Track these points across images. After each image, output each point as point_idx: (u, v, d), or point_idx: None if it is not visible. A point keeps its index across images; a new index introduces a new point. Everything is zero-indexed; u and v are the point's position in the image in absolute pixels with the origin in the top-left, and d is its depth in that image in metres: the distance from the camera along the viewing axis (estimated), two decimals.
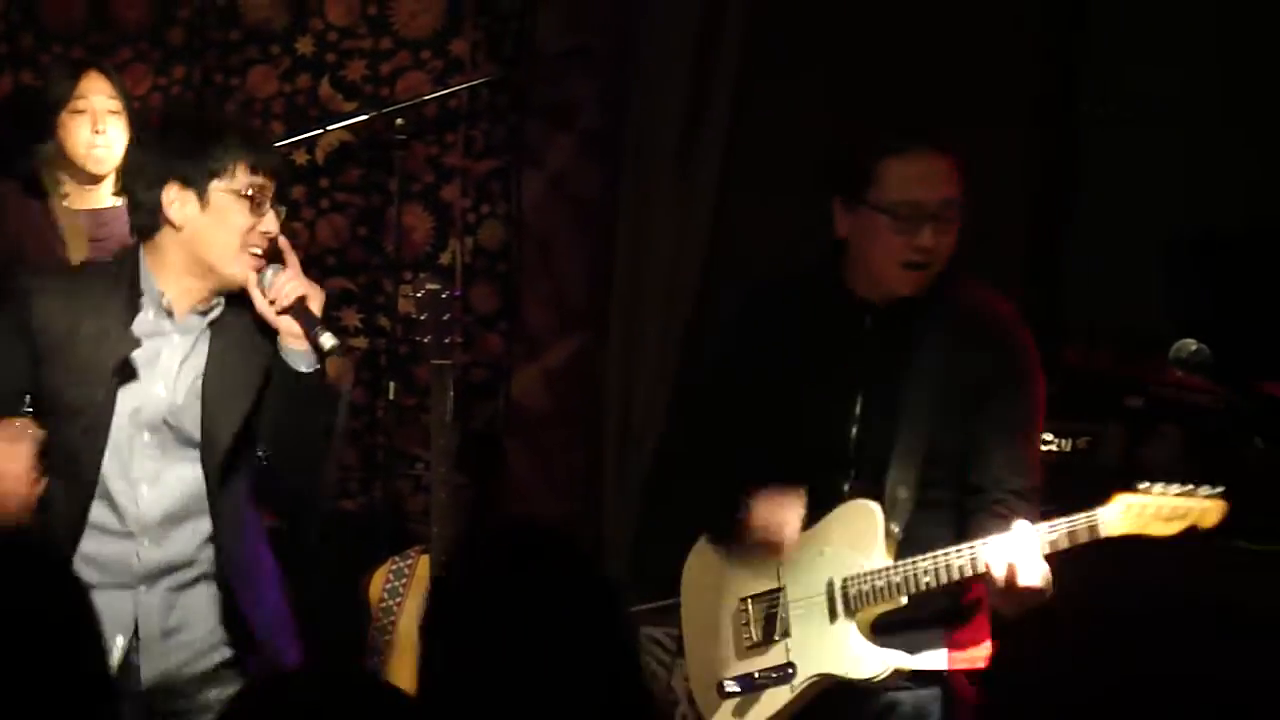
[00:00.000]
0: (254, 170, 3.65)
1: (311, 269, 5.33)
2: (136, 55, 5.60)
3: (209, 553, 3.71)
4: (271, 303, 3.62)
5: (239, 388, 3.69)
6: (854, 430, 3.84)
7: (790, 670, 3.94)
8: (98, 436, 3.67)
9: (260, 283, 3.60)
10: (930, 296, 3.81)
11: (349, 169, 5.65)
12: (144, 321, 3.68)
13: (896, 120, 4.14)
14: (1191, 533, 3.67)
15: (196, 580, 3.73)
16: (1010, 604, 3.70)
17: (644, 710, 2.65)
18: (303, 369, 3.61)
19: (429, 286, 4.73)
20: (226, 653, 3.77)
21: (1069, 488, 5.10)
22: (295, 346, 3.61)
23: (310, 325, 3.60)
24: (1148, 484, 3.67)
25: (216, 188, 3.62)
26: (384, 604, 4.94)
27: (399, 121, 5.34)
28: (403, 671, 4.84)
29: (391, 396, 5.50)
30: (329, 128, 5.40)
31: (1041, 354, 4.09)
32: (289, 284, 3.61)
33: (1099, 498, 4.02)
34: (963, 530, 3.81)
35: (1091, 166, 5.80)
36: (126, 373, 3.68)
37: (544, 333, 5.69)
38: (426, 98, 5.51)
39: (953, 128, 5.53)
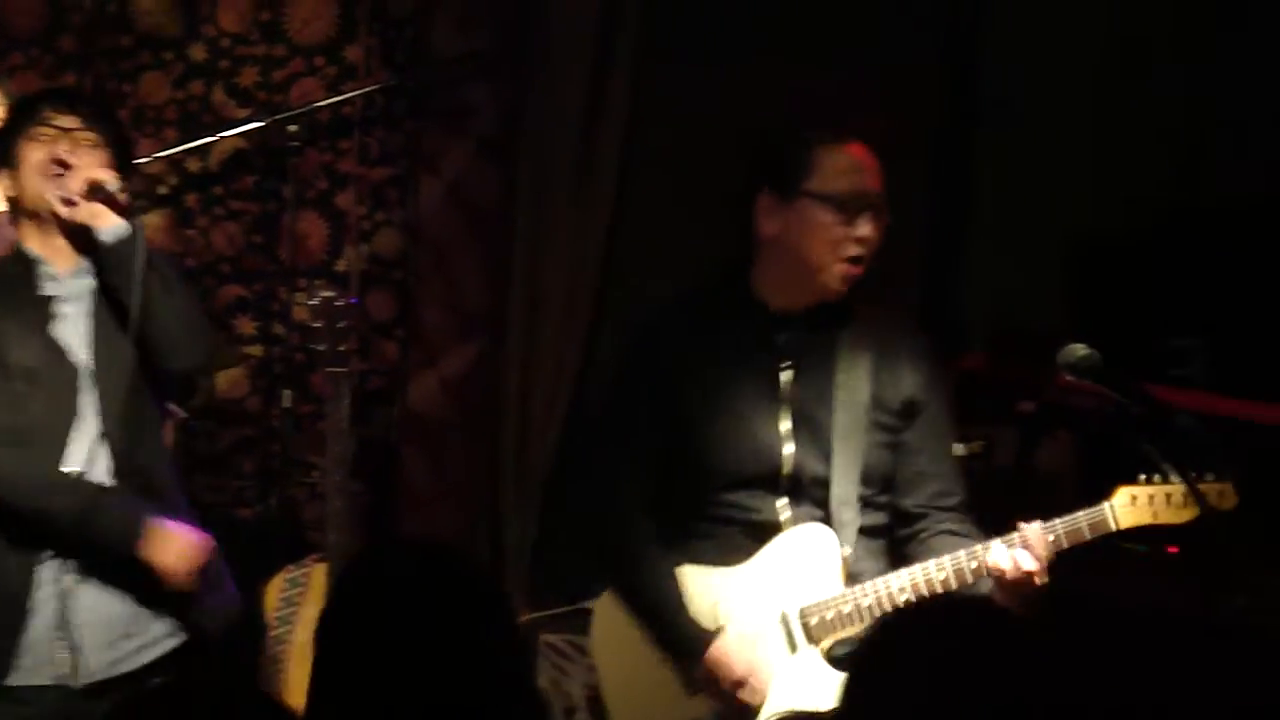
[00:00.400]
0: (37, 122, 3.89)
1: (206, 276, 5.61)
2: (28, 61, 5.56)
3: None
4: (71, 205, 3.81)
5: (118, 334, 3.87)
6: (785, 451, 3.76)
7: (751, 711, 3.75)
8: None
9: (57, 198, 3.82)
10: (844, 308, 3.77)
11: (243, 176, 5.63)
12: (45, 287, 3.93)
13: (798, 122, 4.09)
14: (1209, 515, 3.61)
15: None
16: (1021, 604, 3.63)
17: None
18: (111, 240, 3.80)
19: (324, 294, 4.76)
20: None
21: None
22: (103, 224, 3.80)
23: (100, 192, 3.78)
24: (1145, 475, 3.63)
25: (24, 150, 3.89)
26: (280, 613, 4.91)
27: (293, 128, 5.36)
28: (298, 682, 4.80)
29: (287, 404, 5.52)
30: (223, 135, 5.39)
31: (943, 360, 4.12)
32: (74, 179, 3.79)
33: (994, 502, 4.04)
34: (904, 554, 3.76)
35: (988, 171, 5.84)
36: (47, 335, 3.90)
37: (441, 339, 5.68)
38: (321, 104, 5.51)
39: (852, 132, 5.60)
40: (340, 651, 2.60)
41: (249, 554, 5.13)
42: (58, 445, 3.92)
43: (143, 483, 3.98)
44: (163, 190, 5.62)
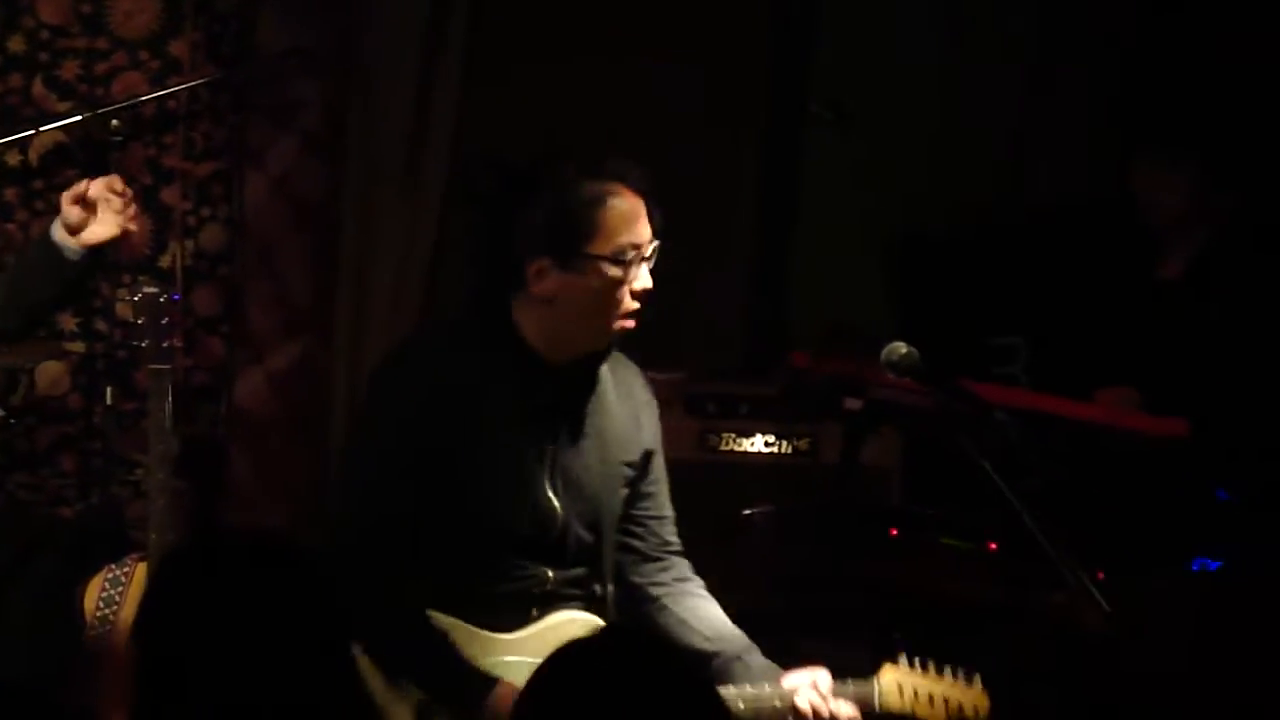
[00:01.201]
0: None
1: None
2: None
3: None
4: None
5: None
6: (555, 513, 3.67)
7: None
8: None
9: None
10: (603, 358, 3.71)
11: (64, 171, 5.49)
12: None
13: (595, 146, 3.98)
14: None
15: None
16: None
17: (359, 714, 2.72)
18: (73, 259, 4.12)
19: (147, 290, 4.70)
20: None
21: (791, 488, 5.21)
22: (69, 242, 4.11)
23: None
24: (905, 659, 3.66)
25: None
26: (100, 613, 4.78)
27: (115, 123, 5.22)
28: (119, 682, 4.75)
29: (109, 402, 5.45)
30: (42, 128, 5.29)
31: (769, 358, 4.14)
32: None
33: (818, 497, 4.08)
34: (655, 600, 3.72)
35: (811, 170, 5.90)
36: None
37: (267, 336, 5.65)
38: (144, 98, 5.43)
39: (677, 134, 5.64)
40: (160, 649, 2.56)
41: (69, 553, 5.10)
42: None
43: None
44: None
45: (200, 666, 2.53)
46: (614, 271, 3.50)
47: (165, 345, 4.67)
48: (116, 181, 4.28)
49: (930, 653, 3.72)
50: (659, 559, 3.74)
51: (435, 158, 5.56)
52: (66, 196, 4.14)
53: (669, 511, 3.76)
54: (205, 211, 5.60)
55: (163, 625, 2.57)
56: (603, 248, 3.51)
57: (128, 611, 4.72)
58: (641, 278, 3.52)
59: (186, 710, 2.51)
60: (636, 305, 3.55)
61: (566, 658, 2.57)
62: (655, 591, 3.71)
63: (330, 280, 5.60)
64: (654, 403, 3.78)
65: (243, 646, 2.52)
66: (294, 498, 5.56)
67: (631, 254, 3.50)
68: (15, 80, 5.50)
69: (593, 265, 3.52)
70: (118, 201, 4.23)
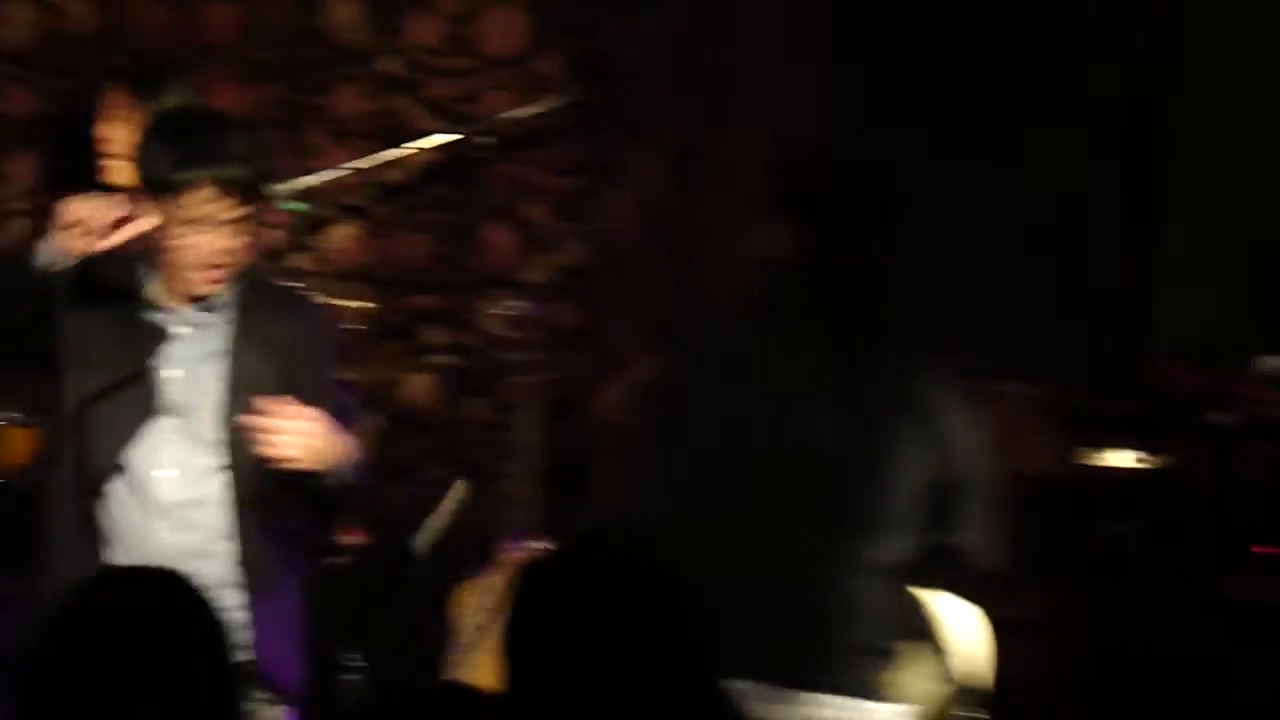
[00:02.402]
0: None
1: (398, 286, 5.74)
2: (225, 73, 5.67)
3: (226, 548, 3.83)
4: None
5: (261, 394, 3.79)
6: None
7: None
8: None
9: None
10: None
11: (434, 187, 5.68)
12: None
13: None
14: None
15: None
16: None
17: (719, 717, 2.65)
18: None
19: (513, 304, 4.87)
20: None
21: (1157, 503, 5.15)
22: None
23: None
24: None
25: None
26: (472, 620, 4.97)
27: (483, 140, 5.38)
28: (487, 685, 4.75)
29: (476, 414, 5.60)
30: (415, 147, 5.41)
31: (1135, 372, 4.14)
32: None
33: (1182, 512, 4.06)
34: None
35: (1176, 179, 5.79)
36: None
37: (626, 349, 5.67)
38: (511, 116, 5.52)
39: (1034, 145, 5.55)
40: (527, 657, 2.56)
41: (438, 561, 5.29)
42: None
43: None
44: (355, 202, 5.69)
45: (565, 672, 2.52)
46: None
47: (530, 358, 4.79)
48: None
49: None
50: None
51: None
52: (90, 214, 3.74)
53: None
54: (568, 227, 5.71)
55: (530, 633, 2.57)
56: None
57: (499, 620, 4.75)
58: None
59: (552, 712, 2.51)
60: None
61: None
62: None
63: (687, 293, 5.61)
64: None
65: (606, 652, 2.51)
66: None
67: None
68: (390, 100, 5.68)
69: None
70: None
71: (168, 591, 2.67)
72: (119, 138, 4.90)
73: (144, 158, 3.81)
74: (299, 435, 3.66)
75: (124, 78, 5.04)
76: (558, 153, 5.74)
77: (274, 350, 3.84)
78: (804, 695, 3.60)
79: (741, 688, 3.44)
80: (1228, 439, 4.91)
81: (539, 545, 4.84)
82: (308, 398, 3.78)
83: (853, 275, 3.69)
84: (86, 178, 3.92)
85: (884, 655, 3.67)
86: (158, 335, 3.78)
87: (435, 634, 5.04)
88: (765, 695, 3.55)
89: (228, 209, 3.70)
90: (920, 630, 3.72)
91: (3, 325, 3.83)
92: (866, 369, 3.64)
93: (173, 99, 4.85)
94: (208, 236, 3.69)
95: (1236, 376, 4.97)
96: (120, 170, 3.93)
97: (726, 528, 3.68)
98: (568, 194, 5.74)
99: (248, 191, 3.75)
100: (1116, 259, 5.78)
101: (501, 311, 4.94)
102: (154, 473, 3.78)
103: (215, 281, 3.75)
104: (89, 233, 3.59)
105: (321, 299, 4.29)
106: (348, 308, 5.47)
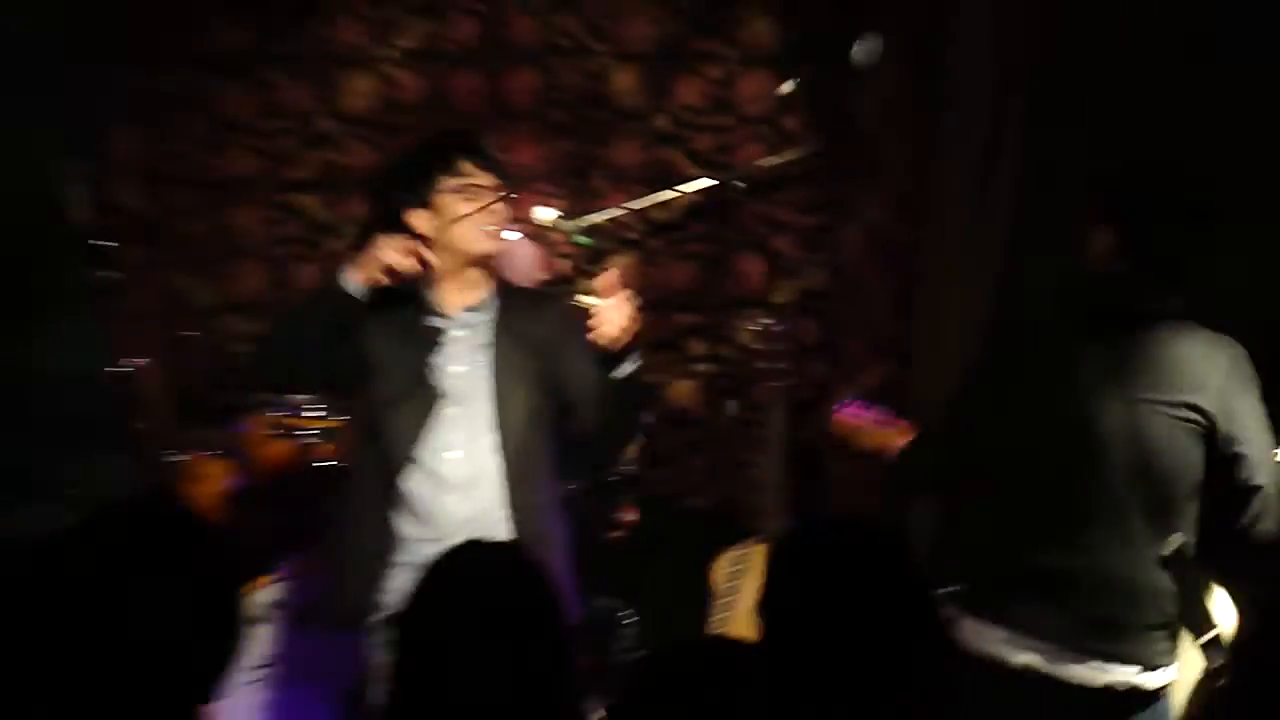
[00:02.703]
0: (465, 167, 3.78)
1: (666, 306, 5.75)
2: (526, 130, 5.80)
3: (503, 516, 3.80)
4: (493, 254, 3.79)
5: (524, 380, 3.83)
6: None
7: None
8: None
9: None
10: None
11: (697, 224, 5.77)
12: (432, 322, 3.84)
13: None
14: None
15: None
16: None
17: (945, 688, 2.63)
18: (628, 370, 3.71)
19: (763, 321, 4.94)
20: None
21: None
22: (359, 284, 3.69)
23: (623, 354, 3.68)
24: None
25: (445, 200, 3.79)
26: (727, 586, 5.01)
27: (738, 185, 5.37)
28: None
29: (732, 413, 5.67)
30: (681, 190, 5.41)
31: None
32: (498, 230, 3.77)
33: None
34: None
35: None
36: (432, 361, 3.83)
37: (858, 359, 5.66)
38: (761, 164, 5.62)
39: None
40: (783, 615, 2.63)
41: (698, 536, 5.43)
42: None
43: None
44: (631, 236, 5.78)
45: (813, 628, 2.57)
46: None
47: (777, 367, 4.89)
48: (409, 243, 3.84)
49: None
50: None
51: (999, 201, 5.40)
52: (395, 250, 3.78)
53: None
54: (809, 256, 5.79)
55: (783, 597, 2.63)
56: None
57: (749, 584, 4.90)
58: None
59: (803, 668, 2.56)
60: None
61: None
62: None
63: (909, 312, 5.60)
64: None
65: (846, 611, 2.56)
66: (878, 492, 5.12)
67: None
68: (662, 152, 5.82)
69: None
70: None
71: (517, 563, 2.79)
72: None
73: (405, 170, 3.92)
74: (620, 313, 3.67)
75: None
76: (800, 194, 5.77)
77: (529, 341, 3.85)
78: (1095, 663, 3.56)
79: (1041, 649, 3.57)
80: None
81: (784, 524, 4.82)
82: (568, 369, 3.83)
83: (1170, 276, 3.56)
84: (396, 223, 3.88)
85: (1166, 630, 3.60)
86: (438, 337, 3.83)
87: (698, 595, 5.04)
88: (1062, 658, 3.56)
89: (485, 179, 3.81)
90: (1195, 609, 3.65)
91: (319, 348, 3.77)
92: (1166, 366, 3.54)
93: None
94: (474, 205, 3.78)
95: None
96: (418, 217, 3.86)
97: (1029, 512, 3.62)
98: (809, 229, 5.78)
99: (494, 166, 3.85)
100: None
101: (753, 327, 5.00)
102: (444, 454, 3.80)
103: (494, 239, 3.78)
104: (389, 266, 3.70)
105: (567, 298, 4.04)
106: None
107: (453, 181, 3.79)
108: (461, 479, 3.80)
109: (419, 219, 3.79)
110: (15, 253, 5.32)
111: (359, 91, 5.91)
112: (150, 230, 5.94)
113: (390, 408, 3.79)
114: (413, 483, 3.78)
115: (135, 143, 5.92)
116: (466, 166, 3.81)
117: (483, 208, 3.75)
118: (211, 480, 5.13)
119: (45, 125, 5.34)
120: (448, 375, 3.80)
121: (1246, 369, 3.62)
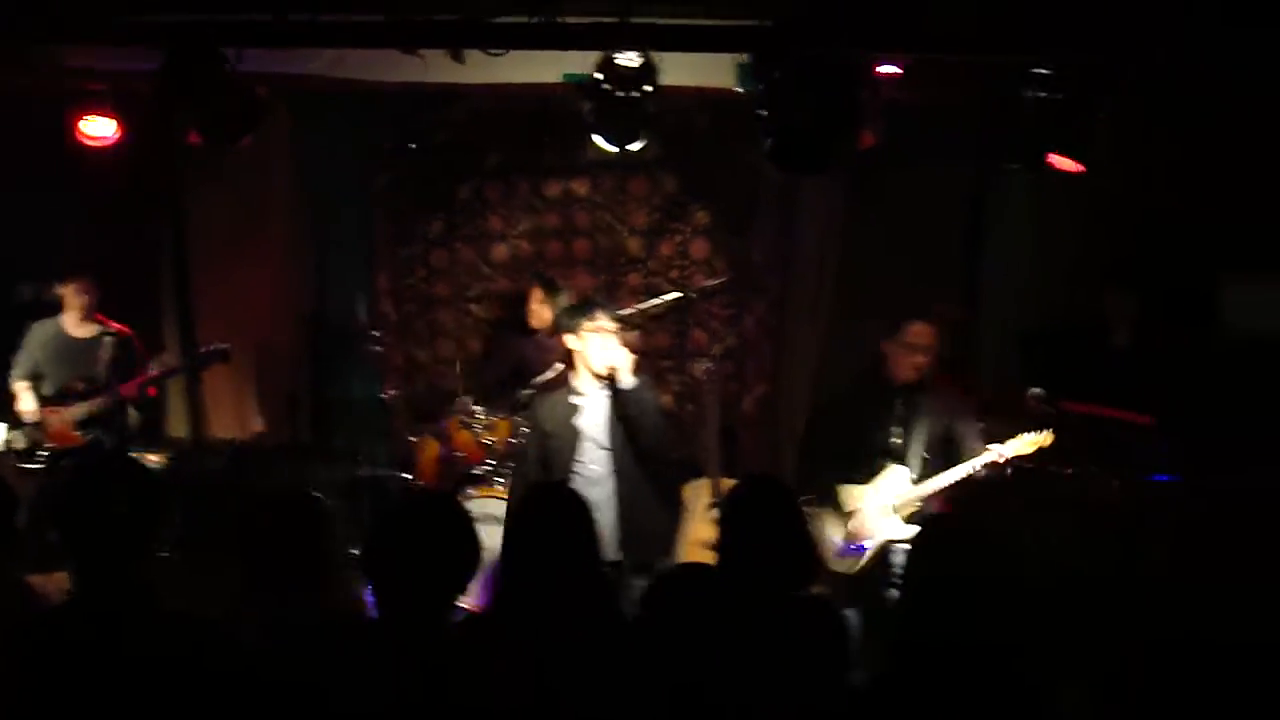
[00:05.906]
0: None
1: (655, 356, 7.55)
2: (584, 270, 8.04)
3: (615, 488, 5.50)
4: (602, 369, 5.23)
5: (614, 421, 5.57)
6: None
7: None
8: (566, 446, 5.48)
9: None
10: None
11: (671, 315, 7.84)
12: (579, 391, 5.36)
13: None
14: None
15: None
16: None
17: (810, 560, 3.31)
18: (626, 387, 5.13)
19: (707, 364, 6.55)
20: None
21: None
22: (619, 379, 5.19)
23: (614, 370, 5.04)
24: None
25: (585, 329, 5.49)
26: (692, 508, 6.45)
27: (692, 295, 7.28)
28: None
29: (689, 408, 7.79)
30: (664, 299, 7.25)
31: None
32: (610, 360, 5.25)
33: None
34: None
35: None
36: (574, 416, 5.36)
37: (751, 380, 7.60)
38: (704, 285, 7.79)
39: None
40: (737, 529, 3.37)
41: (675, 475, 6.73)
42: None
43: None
44: (636, 320, 7.61)
45: (760, 541, 3.44)
46: None
47: (713, 381, 6.42)
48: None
49: None
50: None
51: (824, 307, 7.22)
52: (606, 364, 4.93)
53: None
54: (728, 330, 8.09)
55: (739, 517, 3.23)
56: None
57: (699, 508, 6.26)
58: None
59: (755, 569, 3.31)
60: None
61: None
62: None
63: (778, 361, 7.74)
64: None
65: (770, 527, 3.41)
66: None
67: None
68: (653, 280, 7.96)
69: None
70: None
71: (572, 499, 3.73)
72: (539, 311, 7.68)
73: (568, 317, 5.63)
74: (614, 351, 5.07)
75: (539, 282, 7.80)
76: (723, 299, 7.81)
77: (620, 401, 5.39)
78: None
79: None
80: None
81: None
82: (639, 403, 5.34)
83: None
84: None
85: None
86: (576, 407, 5.32)
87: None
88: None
89: (607, 327, 5.45)
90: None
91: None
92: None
93: (563, 297, 7.45)
94: (601, 341, 5.43)
95: None
96: (538, 315, 5.68)
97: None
98: (726, 317, 7.78)
99: (616, 319, 5.50)
100: None
101: (702, 366, 6.63)
102: (590, 467, 5.45)
103: (614, 358, 5.17)
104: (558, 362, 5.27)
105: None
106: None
107: (592, 324, 5.61)
108: (596, 477, 5.59)
109: (571, 342, 5.62)
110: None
111: (499, 251, 8.72)
112: (398, 325, 8.76)
113: (544, 443, 5.67)
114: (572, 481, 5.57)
115: (387, 278, 8.89)
116: (601, 315, 5.59)
117: (605, 348, 5.36)
118: (430, 450, 7.76)
119: (354, 273, 8.75)
120: (589, 429, 5.59)
121: None
